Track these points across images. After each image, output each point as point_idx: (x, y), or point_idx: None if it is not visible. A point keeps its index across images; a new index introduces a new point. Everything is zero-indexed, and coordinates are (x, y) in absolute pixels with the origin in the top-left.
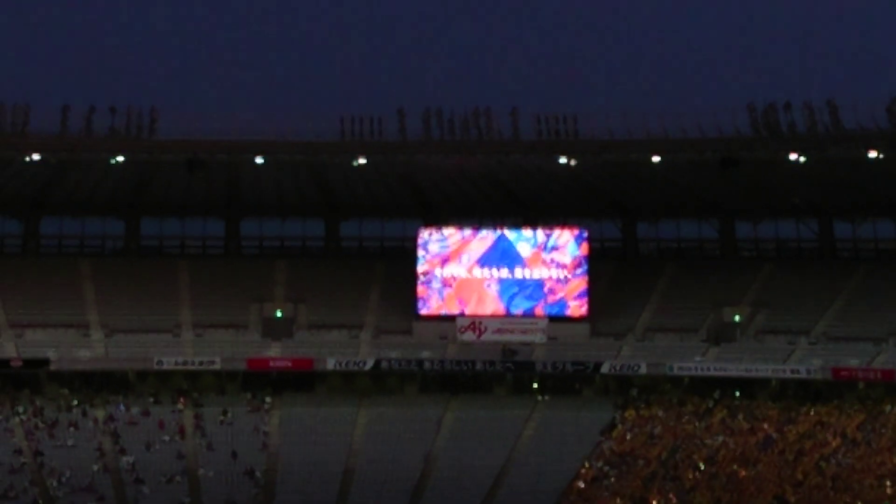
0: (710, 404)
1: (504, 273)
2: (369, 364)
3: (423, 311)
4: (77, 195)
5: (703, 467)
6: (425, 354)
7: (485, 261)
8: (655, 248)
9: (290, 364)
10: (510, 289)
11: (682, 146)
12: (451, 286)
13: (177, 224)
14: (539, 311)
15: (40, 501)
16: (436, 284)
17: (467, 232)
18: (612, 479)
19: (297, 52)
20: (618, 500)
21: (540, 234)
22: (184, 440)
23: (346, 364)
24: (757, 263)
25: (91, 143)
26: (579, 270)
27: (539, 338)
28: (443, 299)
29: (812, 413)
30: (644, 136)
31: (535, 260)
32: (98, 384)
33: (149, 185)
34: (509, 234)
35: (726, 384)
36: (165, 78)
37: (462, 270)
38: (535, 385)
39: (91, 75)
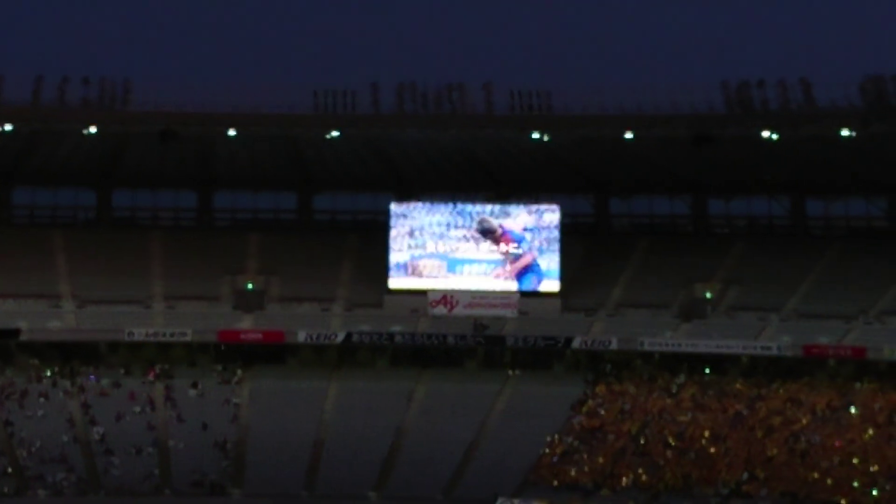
0: (681, 380)
1: (476, 248)
2: (340, 337)
3: (395, 285)
4: (49, 166)
5: (672, 443)
6: (396, 328)
7: (456, 235)
8: (628, 224)
9: (261, 336)
10: (482, 263)
11: (656, 122)
12: (422, 260)
13: (149, 196)
14: (510, 285)
15: (10, 471)
16: (407, 258)
17: (440, 206)
18: (583, 454)
19: (271, 25)
20: (587, 475)
21: (512, 208)
22: (154, 412)
23: (318, 337)
24: (729, 240)
25: (64, 113)
26: (551, 246)
27: (510, 312)
28: (414, 273)
29: (782, 390)
30: (617, 112)
31: (508, 235)
32: (69, 355)
33: (121, 156)
34: (482, 208)
35: (697, 360)
36: (139, 49)
37: (434, 244)
38: (506, 359)
39: (64, 46)
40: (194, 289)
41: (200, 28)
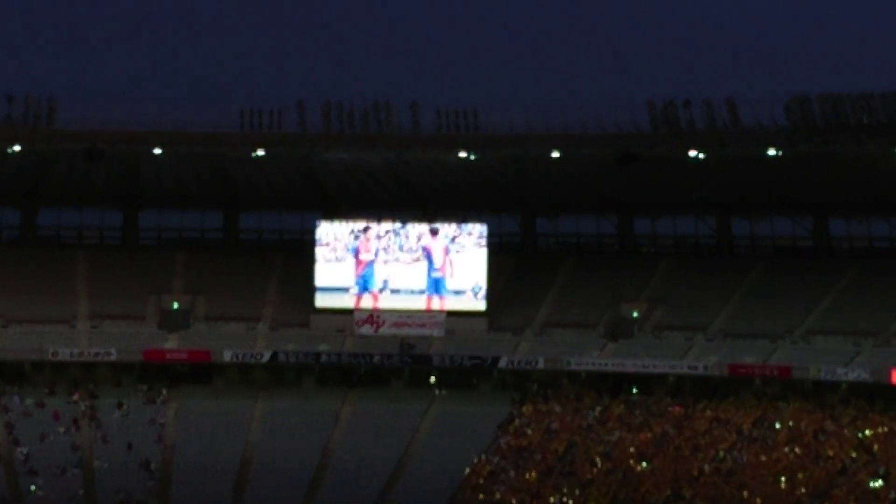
0: (608, 400)
1: (402, 267)
2: (266, 357)
3: (321, 304)
4: None
5: (599, 462)
6: (322, 347)
7: (383, 255)
8: (554, 244)
9: (186, 356)
10: (408, 283)
11: (582, 142)
12: (348, 279)
13: (75, 214)
14: (436, 305)
15: None
16: (333, 277)
17: (366, 225)
18: (510, 474)
19: (198, 43)
20: (514, 495)
21: (438, 228)
22: (79, 432)
23: (243, 356)
24: (655, 259)
25: None
26: (478, 265)
27: (437, 332)
28: (340, 292)
29: (708, 409)
30: (544, 131)
31: (433, 254)
32: None
33: (47, 174)
34: (407, 227)
35: (624, 380)
36: (65, 67)
37: (359, 264)
38: (433, 379)
39: None
40: (119, 308)
41: (126, 46)
